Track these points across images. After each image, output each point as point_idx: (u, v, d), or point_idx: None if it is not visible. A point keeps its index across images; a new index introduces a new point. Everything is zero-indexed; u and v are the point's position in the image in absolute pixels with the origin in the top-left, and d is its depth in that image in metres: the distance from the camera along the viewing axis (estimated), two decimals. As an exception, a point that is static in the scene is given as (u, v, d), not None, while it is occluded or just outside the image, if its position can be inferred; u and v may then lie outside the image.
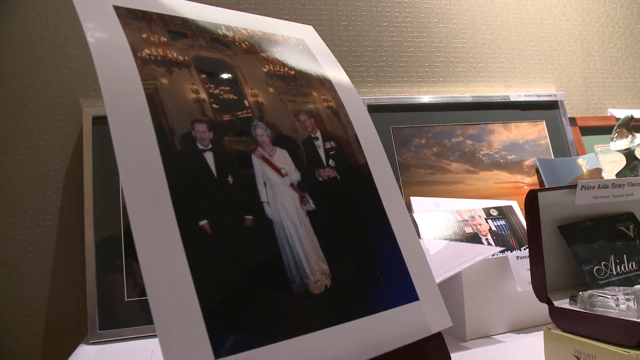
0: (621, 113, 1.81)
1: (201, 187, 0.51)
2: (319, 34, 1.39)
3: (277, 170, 0.57)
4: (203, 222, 0.49)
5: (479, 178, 1.47)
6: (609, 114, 1.81)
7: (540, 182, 1.51)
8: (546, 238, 0.74)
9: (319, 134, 0.63)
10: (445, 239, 1.11)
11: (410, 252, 0.63)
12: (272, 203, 0.55)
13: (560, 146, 1.61)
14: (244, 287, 0.49)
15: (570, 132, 1.64)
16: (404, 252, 0.63)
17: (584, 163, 1.54)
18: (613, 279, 0.73)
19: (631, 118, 1.32)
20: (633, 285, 0.73)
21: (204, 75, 0.58)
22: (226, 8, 0.69)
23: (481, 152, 1.48)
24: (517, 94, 1.60)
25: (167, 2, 0.62)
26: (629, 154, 1.30)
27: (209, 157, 0.53)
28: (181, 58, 0.57)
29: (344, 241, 0.58)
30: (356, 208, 0.62)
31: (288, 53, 0.69)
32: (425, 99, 1.48)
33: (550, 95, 1.65)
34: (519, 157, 1.53)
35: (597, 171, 1.53)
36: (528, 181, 1.52)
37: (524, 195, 0.73)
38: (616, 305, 0.63)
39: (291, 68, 0.67)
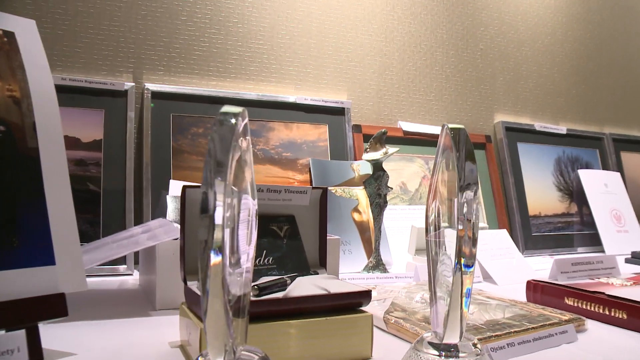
0: (411, 126, 2.02)
1: None
2: (116, 21, 1.49)
3: None
4: None
5: (250, 170, 1.62)
6: (398, 126, 2.00)
7: (310, 180, 1.68)
8: (193, 228, 0.87)
9: (-11, 119, 0.75)
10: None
11: (60, 226, 0.76)
12: None
13: (340, 150, 1.79)
14: None
15: (352, 138, 1.83)
16: (53, 225, 0.75)
17: (357, 168, 1.71)
18: (245, 269, 0.88)
19: (384, 133, 1.50)
20: (263, 276, 0.88)
21: None
22: None
23: (257, 147, 1.64)
24: (303, 97, 1.76)
25: None
26: (376, 164, 1.48)
27: None
28: None
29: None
30: (10, 184, 0.73)
31: (-13, 45, 0.80)
32: (211, 92, 1.62)
33: (337, 102, 1.83)
34: (294, 155, 1.69)
35: (368, 176, 1.72)
36: (299, 178, 1.68)
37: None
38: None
39: (-16, 58, 0.78)
